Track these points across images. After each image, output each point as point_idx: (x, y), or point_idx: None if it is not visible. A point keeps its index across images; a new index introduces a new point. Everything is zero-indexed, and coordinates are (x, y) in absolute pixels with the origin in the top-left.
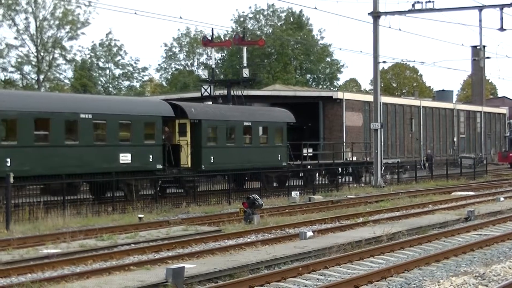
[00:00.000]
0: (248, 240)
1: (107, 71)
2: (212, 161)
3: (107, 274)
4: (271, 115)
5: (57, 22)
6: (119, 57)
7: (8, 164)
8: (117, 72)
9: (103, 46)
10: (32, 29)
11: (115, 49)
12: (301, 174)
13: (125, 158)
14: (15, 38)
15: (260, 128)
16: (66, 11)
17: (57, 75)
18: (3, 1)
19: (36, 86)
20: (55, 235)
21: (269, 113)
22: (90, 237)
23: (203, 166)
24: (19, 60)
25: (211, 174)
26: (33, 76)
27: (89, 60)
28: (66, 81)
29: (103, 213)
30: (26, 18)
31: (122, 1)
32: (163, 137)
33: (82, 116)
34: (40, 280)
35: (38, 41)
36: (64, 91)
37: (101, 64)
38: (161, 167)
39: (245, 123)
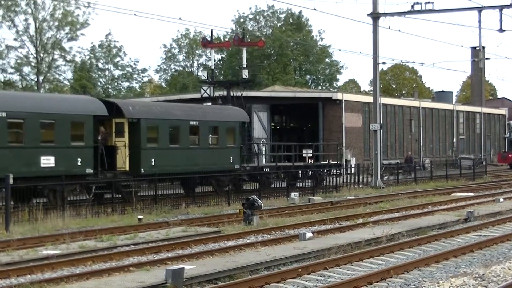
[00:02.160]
0: (248, 241)
1: (107, 72)
2: (153, 164)
3: (107, 275)
4: (223, 114)
5: (56, 23)
6: (118, 58)
7: None
8: (117, 73)
9: (103, 47)
10: (32, 30)
11: (114, 50)
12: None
13: (48, 161)
14: (15, 39)
15: (210, 128)
16: (65, 12)
17: (57, 76)
18: (2, 2)
19: (36, 87)
20: (55, 236)
21: (220, 111)
22: (90, 238)
23: (142, 170)
24: (18, 61)
25: (150, 178)
26: (33, 77)
27: (89, 61)
28: (66, 82)
29: (103, 214)
30: (26, 19)
31: (121, 2)
32: (99, 138)
33: None
34: (40, 281)
35: (38, 42)
36: (63, 92)
37: (100, 65)
38: (92, 171)
39: (192, 123)
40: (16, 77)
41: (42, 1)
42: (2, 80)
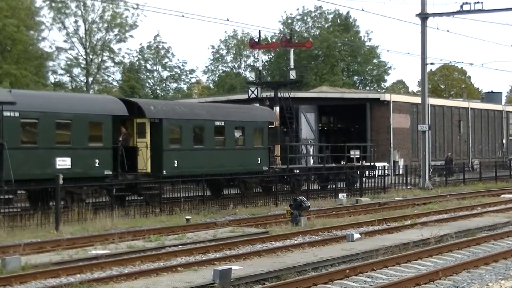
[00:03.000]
0: (295, 242)
1: (155, 74)
2: (175, 165)
3: (155, 275)
4: (250, 114)
5: (105, 25)
6: (166, 60)
7: None
8: (165, 74)
9: (151, 48)
10: (81, 32)
11: (162, 52)
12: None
13: (63, 163)
14: (65, 41)
15: (236, 129)
16: (114, 14)
17: (106, 77)
18: (53, 5)
19: (85, 89)
20: (104, 236)
21: (247, 111)
22: (138, 238)
23: (164, 172)
24: (68, 62)
25: (174, 180)
26: (82, 78)
27: (137, 63)
28: (115, 83)
29: (151, 215)
30: (76, 21)
31: (169, 4)
32: (120, 139)
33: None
34: (89, 280)
35: (87, 44)
36: (112, 93)
37: (149, 67)
38: (110, 173)
39: (217, 123)
40: (66, 79)
41: (91, 3)
42: (53, 82)
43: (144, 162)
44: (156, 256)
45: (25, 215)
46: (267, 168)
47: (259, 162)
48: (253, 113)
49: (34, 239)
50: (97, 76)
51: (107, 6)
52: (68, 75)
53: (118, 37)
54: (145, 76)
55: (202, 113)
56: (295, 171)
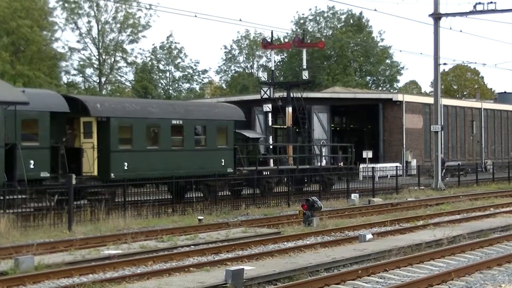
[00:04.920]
0: (307, 242)
1: (168, 74)
2: (125, 168)
3: (167, 275)
4: (212, 112)
5: (118, 25)
6: (179, 60)
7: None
8: (177, 74)
9: (164, 48)
10: (94, 32)
11: (175, 52)
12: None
13: None
14: (78, 41)
15: (196, 128)
16: (127, 15)
17: (119, 77)
18: (66, 5)
19: (98, 89)
20: (116, 236)
21: (209, 109)
22: (151, 239)
23: (112, 175)
24: (81, 63)
25: (122, 184)
26: (95, 79)
27: (150, 63)
28: (127, 83)
29: (163, 215)
30: (89, 22)
31: (182, 4)
32: (63, 139)
33: None
34: (102, 280)
35: (100, 44)
36: (124, 94)
37: (161, 67)
38: (48, 175)
39: (174, 122)
40: (79, 79)
41: (104, 4)
42: (66, 82)
43: (90, 165)
44: (169, 256)
45: (38, 215)
46: (232, 170)
47: (223, 164)
48: (216, 111)
49: (47, 239)
50: (110, 76)
51: (120, 7)
52: (81, 75)
53: (130, 37)
54: (158, 77)
55: (156, 111)
56: (264, 173)
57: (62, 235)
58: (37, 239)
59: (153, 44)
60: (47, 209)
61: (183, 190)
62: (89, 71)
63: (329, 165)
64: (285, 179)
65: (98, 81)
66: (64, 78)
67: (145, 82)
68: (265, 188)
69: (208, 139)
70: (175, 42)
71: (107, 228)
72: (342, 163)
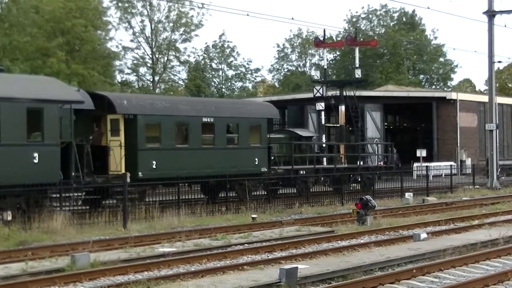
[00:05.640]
0: (361, 241)
1: (220, 72)
2: (154, 167)
3: (221, 273)
4: (245, 109)
5: (171, 24)
6: (232, 58)
7: None
8: (230, 73)
9: (216, 47)
10: (148, 31)
11: (228, 51)
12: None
13: None
14: (131, 40)
15: (228, 126)
16: (180, 14)
17: (172, 76)
18: (120, 5)
19: (151, 88)
20: (171, 234)
21: (242, 106)
22: (205, 237)
23: (140, 174)
24: (135, 62)
25: (152, 183)
26: (149, 77)
27: (203, 62)
28: (180, 82)
29: (217, 213)
30: (142, 21)
31: (234, 3)
32: (90, 137)
33: None
34: (156, 278)
35: (153, 43)
36: (178, 93)
37: (214, 65)
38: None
39: (205, 119)
40: (132, 78)
41: (157, 3)
42: (119, 81)
43: (117, 163)
44: (223, 255)
45: (93, 212)
46: (266, 169)
47: (256, 163)
48: (249, 108)
49: (102, 236)
50: (163, 75)
51: (172, 6)
52: (134, 74)
53: (183, 36)
54: (211, 75)
55: (186, 108)
56: (300, 172)
57: (117, 233)
58: (93, 237)
59: (205, 43)
60: (102, 206)
61: (216, 190)
62: (142, 70)
63: (374, 164)
64: (322, 178)
65: (151, 80)
66: (118, 77)
67: (198, 81)
68: (302, 187)
69: (240, 137)
70: (228, 41)
71: (161, 226)
72: (382, 162)
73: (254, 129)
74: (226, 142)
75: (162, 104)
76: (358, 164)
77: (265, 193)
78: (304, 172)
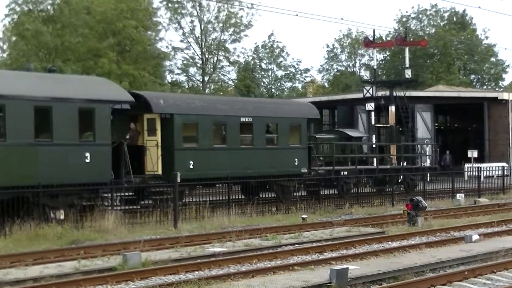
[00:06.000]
0: (412, 242)
1: (270, 73)
2: (191, 167)
3: (272, 274)
4: (284, 109)
5: (221, 24)
6: (281, 59)
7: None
8: (280, 73)
9: (266, 47)
10: (197, 32)
11: (277, 51)
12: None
13: None
14: (181, 41)
15: (267, 126)
16: (229, 14)
17: (221, 76)
18: (169, 5)
19: (201, 88)
20: (221, 233)
21: (281, 106)
22: (255, 237)
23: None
24: (185, 62)
25: (191, 184)
26: (198, 78)
27: (252, 62)
28: (230, 82)
29: (267, 213)
30: (192, 22)
31: (283, 3)
32: (127, 137)
33: None
34: (207, 277)
35: (203, 43)
36: (227, 93)
37: (263, 66)
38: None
39: (243, 119)
40: (182, 78)
41: (207, 3)
42: (169, 81)
43: (153, 163)
44: (273, 255)
45: (144, 212)
46: (306, 170)
47: (296, 163)
48: (289, 108)
49: (153, 236)
50: (213, 75)
51: (222, 6)
52: (184, 74)
53: (233, 36)
54: (260, 75)
55: (224, 107)
56: (342, 173)
57: (168, 232)
58: (144, 236)
59: (255, 43)
60: (153, 206)
61: (256, 190)
62: (192, 70)
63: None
64: (364, 179)
65: (201, 80)
66: (168, 77)
67: (248, 81)
68: (343, 188)
69: (280, 137)
70: (277, 41)
71: (211, 226)
72: (428, 163)
73: (294, 129)
74: (265, 142)
75: (199, 103)
76: (401, 165)
77: (306, 194)
78: (346, 173)
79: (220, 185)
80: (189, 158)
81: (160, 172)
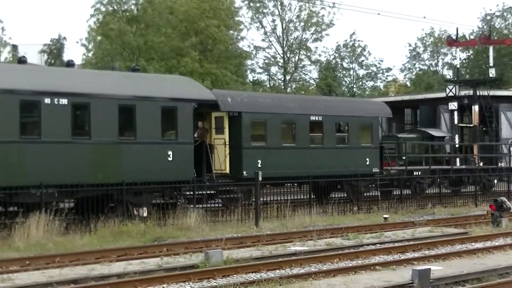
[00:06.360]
0: (496, 243)
1: (351, 72)
2: (259, 166)
3: (353, 273)
4: (355, 108)
5: (302, 24)
6: (363, 58)
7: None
8: (361, 72)
9: (347, 46)
10: (279, 31)
11: (359, 50)
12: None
13: None
14: (263, 40)
15: (338, 125)
16: (311, 13)
17: (303, 75)
18: (251, 5)
19: (283, 87)
20: (302, 232)
21: (352, 105)
22: (336, 236)
23: (244, 173)
24: (266, 61)
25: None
26: (280, 77)
27: (334, 61)
28: (311, 81)
29: (349, 213)
30: (273, 21)
31: (365, 2)
32: (195, 135)
33: None
34: (288, 276)
35: (284, 42)
36: (309, 92)
37: (345, 65)
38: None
39: (313, 118)
40: (264, 77)
41: (288, 3)
42: (251, 80)
43: (221, 162)
44: (354, 254)
45: (226, 210)
46: (378, 170)
47: (367, 163)
48: (360, 106)
49: (235, 234)
50: (294, 74)
51: (303, 5)
52: (266, 73)
53: (314, 35)
54: (342, 74)
55: (293, 106)
56: (415, 173)
57: (249, 231)
58: (226, 234)
59: (336, 42)
60: (235, 205)
61: (326, 190)
62: (274, 69)
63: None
64: (438, 179)
65: (282, 79)
66: (250, 76)
67: (329, 80)
68: (416, 189)
69: (350, 136)
70: (359, 40)
71: (293, 225)
72: (502, 163)
73: (365, 128)
74: (335, 141)
75: (267, 101)
76: (477, 165)
77: (378, 194)
78: (419, 173)
79: (290, 184)
80: (257, 157)
81: (227, 170)
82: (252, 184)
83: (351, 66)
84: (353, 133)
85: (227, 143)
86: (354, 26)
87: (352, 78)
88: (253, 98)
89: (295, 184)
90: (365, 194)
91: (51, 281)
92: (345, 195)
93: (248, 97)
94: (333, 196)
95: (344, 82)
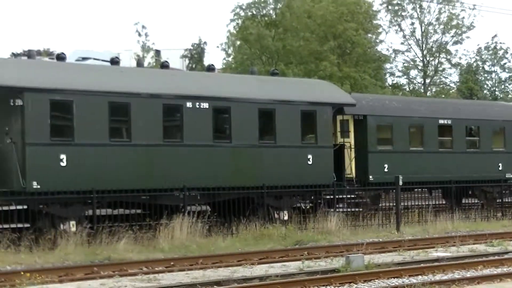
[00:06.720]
0: None
1: (493, 75)
2: (385, 170)
3: (498, 281)
4: (487, 111)
5: (442, 26)
6: (505, 60)
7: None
8: (503, 75)
9: (489, 49)
10: (418, 34)
11: (501, 52)
12: None
13: None
14: (402, 43)
15: (468, 128)
16: (450, 15)
17: (443, 79)
18: (390, 8)
19: (422, 90)
20: (444, 238)
21: (483, 108)
22: (480, 242)
23: (370, 177)
24: (405, 65)
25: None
26: (419, 80)
27: (475, 64)
28: (452, 85)
29: (492, 219)
30: (412, 24)
31: (507, 3)
32: None
33: None
34: (431, 282)
35: (424, 45)
36: (449, 95)
37: (486, 68)
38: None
39: (442, 121)
40: (403, 81)
41: (427, 5)
42: (390, 84)
43: (347, 165)
44: (499, 261)
45: (367, 214)
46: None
47: (500, 169)
48: (493, 110)
49: (376, 238)
50: (434, 78)
51: (443, 8)
52: (405, 77)
53: (454, 38)
54: (483, 78)
55: (420, 109)
56: None
57: (390, 236)
58: (366, 239)
59: (477, 45)
60: (376, 209)
61: (457, 196)
62: (413, 72)
63: None
64: None
65: (422, 82)
66: (389, 80)
67: (470, 84)
68: None
69: (482, 141)
70: (501, 42)
71: (434, 230)
72: None
73: (497, 132)
74: (465, 145)
75: (394, 104)
76: None
77: None
78: None
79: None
80: (384, 161)
81: (353, 174)
82: (381, 188)
83: (493, 69)
84: (484, 137)
85: (352, 146)
86: (496, 28)
87: (494, 81)
88: (379, 101)
89: (425, 189)
90: (498, 201)
91: (195, 282)
92: (478, 201)
93: (374, 100)
94: (464, 202)
95: (485, 86)
